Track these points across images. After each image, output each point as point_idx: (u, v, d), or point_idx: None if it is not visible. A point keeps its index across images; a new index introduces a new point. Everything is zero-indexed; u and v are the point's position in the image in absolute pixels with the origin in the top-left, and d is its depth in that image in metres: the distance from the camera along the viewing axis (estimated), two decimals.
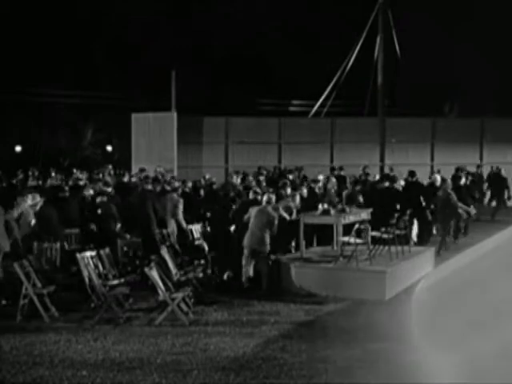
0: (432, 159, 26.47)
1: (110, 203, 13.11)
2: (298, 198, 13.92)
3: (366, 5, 27.95)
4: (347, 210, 13.24)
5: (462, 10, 40.40)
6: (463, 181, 18.00)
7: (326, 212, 12.90)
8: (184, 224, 13.99)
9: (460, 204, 15.98)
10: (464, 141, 26.37)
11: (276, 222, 11.86)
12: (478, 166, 23.84)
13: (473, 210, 17.31)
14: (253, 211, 11.99)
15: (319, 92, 28.30)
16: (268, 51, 43.95)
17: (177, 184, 15.72)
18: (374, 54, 27.58)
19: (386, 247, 12.61)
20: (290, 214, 13.15)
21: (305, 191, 14.73)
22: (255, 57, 44.54)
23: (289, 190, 14.31)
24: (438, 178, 17.27)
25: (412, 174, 16.59)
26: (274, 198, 12.33)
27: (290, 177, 18.63)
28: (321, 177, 17.42)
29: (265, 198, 12.19)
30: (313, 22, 44.74)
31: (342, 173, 19.79)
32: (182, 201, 14.16)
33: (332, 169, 21.64)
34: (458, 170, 19.41)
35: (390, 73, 28.05)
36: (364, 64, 27.71)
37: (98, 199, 13.04)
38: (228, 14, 44.37)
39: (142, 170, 18.90)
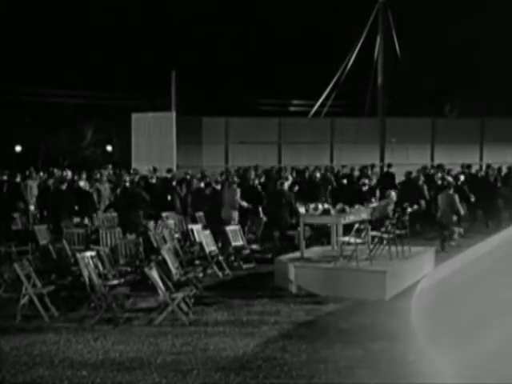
0: (432, 159, 26.46)
1: None
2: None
3: (366, 5, 27.95)
4: (347, 209, 13.24)
5: (461, 9, 40.39)
6: None
7: (325, 212, 12.90)
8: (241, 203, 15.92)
9: None
10: (464, 141, 26.38)
11: None
12: None
13: None
14: None
15: (319, 92, 28.30)
16: (268, 51, 43.94)
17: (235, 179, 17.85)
18: (374, 54, 27.57)
19: (386, 247, 12.61)
20: None
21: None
22: (255, 56, 44.51)
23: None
24: None
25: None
26: None
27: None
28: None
29: None
30: (313, 22, 44.74)
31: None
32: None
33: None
34: None
35: (390, 73, 28.03)
36: (364, 64, 27.70)
37: None
38: (228, 13, 44.39)
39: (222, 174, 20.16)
